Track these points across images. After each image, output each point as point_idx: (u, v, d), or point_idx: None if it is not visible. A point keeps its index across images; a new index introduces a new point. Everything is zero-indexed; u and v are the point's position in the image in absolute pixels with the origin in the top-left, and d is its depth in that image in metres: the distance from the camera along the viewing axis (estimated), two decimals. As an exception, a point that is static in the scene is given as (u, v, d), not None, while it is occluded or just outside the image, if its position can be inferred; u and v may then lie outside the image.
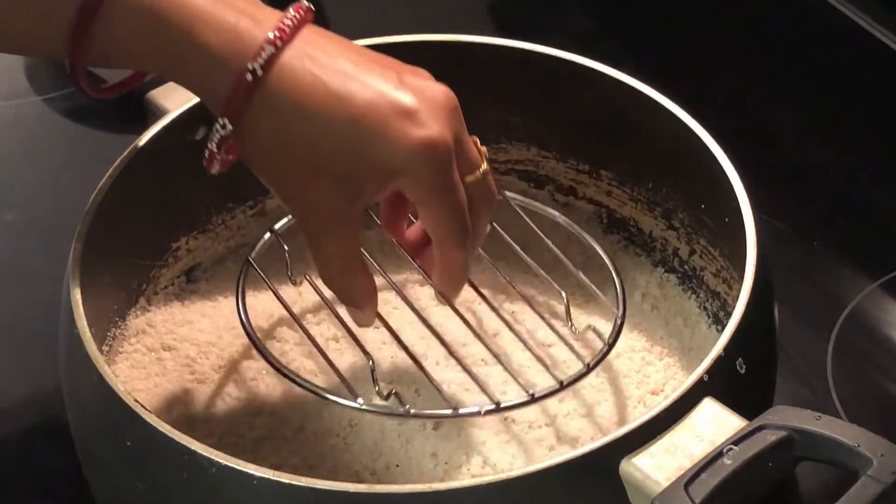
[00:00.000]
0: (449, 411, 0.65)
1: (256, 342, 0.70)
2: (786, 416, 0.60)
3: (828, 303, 0.84)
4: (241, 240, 0.83)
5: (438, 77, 0.80)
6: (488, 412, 0.66)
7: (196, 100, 0.75)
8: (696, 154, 0.73)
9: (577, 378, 0.68)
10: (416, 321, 0.71)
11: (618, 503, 0.60)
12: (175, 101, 0.76)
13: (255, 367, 0.75)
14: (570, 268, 0.75)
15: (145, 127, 0.76)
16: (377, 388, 0.66)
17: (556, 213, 0.79)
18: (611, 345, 0.70)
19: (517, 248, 0.76)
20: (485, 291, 0.74)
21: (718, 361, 0.63)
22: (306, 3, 0.65)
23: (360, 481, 0.68)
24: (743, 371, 0.64)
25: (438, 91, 0.65)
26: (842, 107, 0.99)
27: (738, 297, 0.66)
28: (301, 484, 0.59)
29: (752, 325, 0.65)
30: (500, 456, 0.70)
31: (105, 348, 0.74)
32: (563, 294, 0.73)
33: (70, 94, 1.01)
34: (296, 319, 0.72)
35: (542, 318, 0.73)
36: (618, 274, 0.74)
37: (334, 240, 0.65)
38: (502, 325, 0.72)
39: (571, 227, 0.78)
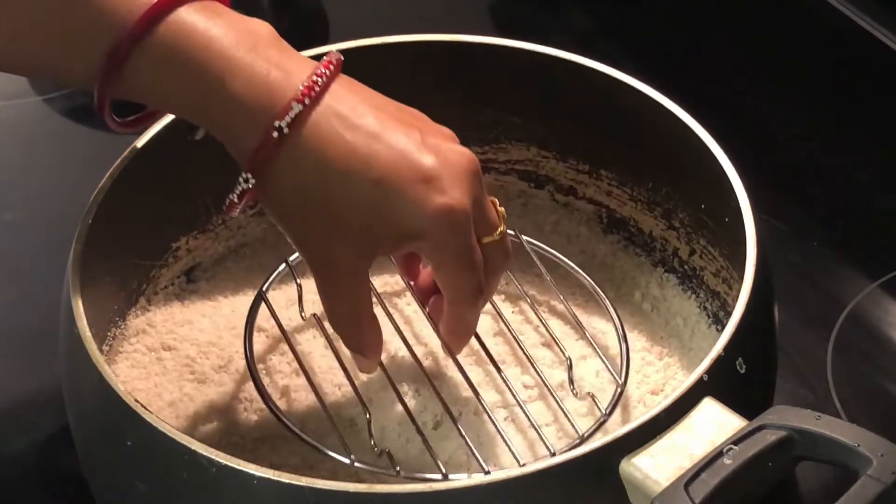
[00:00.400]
0: (438, 476, 0.65)
1: (262, 390, 0.70)
2: (786, 416, 0.60)
3: (828, 303, 0.84)
4: (241, 240, 0.83)
5: (439, 77, 0.81)
6: None
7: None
8: (696, 154, 0.73)
9: (568, 449, 0.66)
10: (419, 372, 0.72)
11: (618, 503, 0.60)
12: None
13: (259, 352, 0.75)
14: (577, 324, 0.75)
15: (145, 127, 0.76)
16: (372, 443, 0.67)
17: (571, 263, 0.79)
18: (608, 415, 0.70)
19: (528, 301, 0.76)
20: (488, 344, 0.73)
21: (718, 361, 0.63)
22: (336, 56, 0.65)
23: (360, 481, 0.68)
24: (743, 371, 0.64)
25: (460, 155, 0.65)
26: (842, 107, 0.99)
27: (738, 297, 0.66)
28: (301, 484, 0.59)
29: (752, 325, 0.65)
30: (500, 456, 0.70)
31: (105, 348, 0.74)
32: (567, 355, 0.73)
33: (70, 94, 1.01)
34: (301, 366, 0.72)
35: (544, 382, 0.72)
36: (625, 339, 0.74)
37: (347, 291, 0.66)
38: (501, 382, 0.72)
39: (594, 287, 0.78)
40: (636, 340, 0.77)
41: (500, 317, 0.75)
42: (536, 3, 1.12)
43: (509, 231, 0.76)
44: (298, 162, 0.63)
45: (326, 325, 0.71)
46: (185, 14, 0.62)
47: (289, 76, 0.63)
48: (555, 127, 0.82)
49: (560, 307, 0.77)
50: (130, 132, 0.68)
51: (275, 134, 0.62)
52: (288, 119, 0.62)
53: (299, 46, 0.79)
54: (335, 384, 0.74)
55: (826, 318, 0.83)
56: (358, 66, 0.80)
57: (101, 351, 0.65)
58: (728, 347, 0.63)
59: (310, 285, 0.76)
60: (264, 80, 0.62)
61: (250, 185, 0.63)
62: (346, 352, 0.70)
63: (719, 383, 0.62)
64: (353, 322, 0.67)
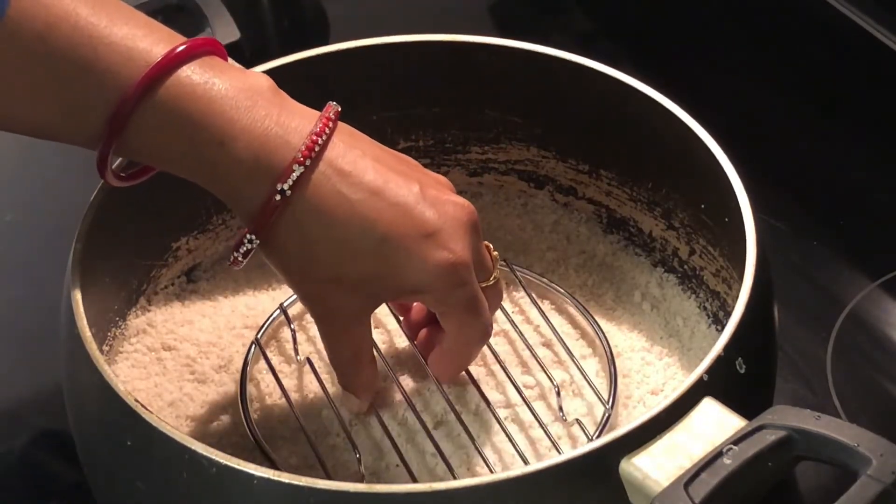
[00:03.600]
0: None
1: (259, 440, 0.71)
2: (785, 416, 0.60)
3: (828, 303, 0.84)
4: (242, 240, 0.83)
5: (439, 77, 0.81)
6: None
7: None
8: (696, 154, 0.73)
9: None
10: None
11: (618, 503, 0.60)
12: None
13: (256, 367, 0.75)
14: (566, 356, 0.75)
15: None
16: (365, 481, 0.67)
17: (560, 289, 0.79)
18: (595, 439, 0.69)
19: (517, 331, 0.75)
20: (476, 372, 0.73)
21: (718, 361, 0.63)
22: (334, 109, 0.65)
23: (360, 482, 0.68)
24: (743, 371, 0.64)
25: (460, 207, 0.66)
26: (842, 107, 0.99)
27: (737, 297, 0.66)
28: (301, 484, 0.59)
29: (752, 325, 0.65)
30: (500, 456, 0.70)
31: (105, 348, 0.74)
32: (555, 385, 0.72)
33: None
34: (293, 410, 0.72)
35: (531, 408, 0.71)
36: (613, 363, 0.74)
37: (349, 338, 0.68)
38: (485, 408, 0.71)
39: (583, 309, 0.78)
40: (636, 340, 0.77)
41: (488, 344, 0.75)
42: (536, 3, 1.12)
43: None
44: (302, 221, 0.63)
45: (319, 367, 0.73)
46: (184, 74, 0.62)
47: (289, 135, 0.63)
48: (555, 127, 0.82)
49: (548, 331, 0.76)
50: (127, 185, 0.68)
51: (277, 197, 0.63)
52: (290, 182, 0.63)
53: (299, 46, 0.80)
54: (330, 422, 0.72)
55: (826, 318, 0.83)
56: (358, 66, 0.80)
57: (101, 351, 0.66)
58: (728, 347, 0.63)
59: (303, 327, 0.77)
60: (264, 141, 0.63)
61: (254, 245, 0.64)
62: (339, 390, 0.71)
63: (719, 383, 0.62)
64: (352, 366, 0.69)
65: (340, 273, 0.64)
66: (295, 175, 0.63)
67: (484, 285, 0.68)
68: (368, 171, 0.64)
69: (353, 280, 0.65)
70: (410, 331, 0.74)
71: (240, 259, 0.65)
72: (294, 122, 0.63)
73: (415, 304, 0.74)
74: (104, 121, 0.62)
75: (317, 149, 0.63)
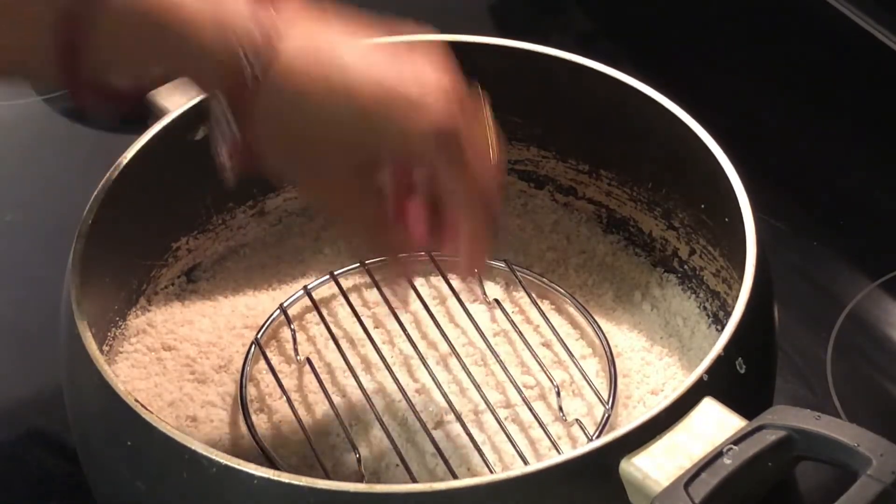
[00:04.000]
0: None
1: (259, 440, 0.71)
2: (785, 416, 0.60)
3: (827, 303, 0.84)
4: (242, 240, 0.83)
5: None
6: None
7: (196, 100, 0.75)
8: (696, 154, 0.73)
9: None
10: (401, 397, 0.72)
11: (618, 503, 0.60)
12: (175, 101, 0.76)
13: (256, 367, 0.75)
14: (566, 356, 0.75)
15: (145, 127, 0.76)
16: (365, 481, 0.67)
17: (560, 289, 0.79)
18: (594, 439, 0.69)
19: (517, 331, 0.76)
20: (476, 372, 0.73)
21: (718, 361, 0.63)
22: None
23: (360, 482, 0.68)
24: (743, 371, 0.64)
25: (443, 76, 0.64)
26: (841, 107, 0.99)
27: (737, 297, 0.66)
28: (301, 484, 0.59)
29: (752, 325, 0.65)
30: (500, 456, 0.70)
31: (105, 348, 0.74)
32: (555, 386, 0.72)
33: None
34: (293, 410, 0.72)
35: (531, 408, 0.71)
36: (613, 363, 0.74)
37: (356, 213, 0.66)
38: (485, 408, 0.71)
39: (578, 306, 0.78)
40: (636, 340, 0.77)
41: (487, 342, 0.75)
42: (536, 3, 1.12)
43: (497, 263, 0.76)
44: (277, 104, 0.61)
45: (318, 367, 0.73)
46: None
47: (259, 13, 0.61)
48: (555, 127, 0.82)
49: (548, 331, 0.76)
50: (113, 105, 0.66)
51: (249, 82, 0.60)
52: (259, 66, 0.60)
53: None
54: (330, 422, 0.73)
55: (826, 318, 0.83)
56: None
57: (101, 351, 0.66)
58: (728, 347, 0.63)
59: (303, 327, 0.77)
60: (229, 27, 0.61)
61: (235, 131, 0.62)
62: (339, 391, 0.71)
63: (719, 383, 0.62)
64: (374, 234, 0.67)
65: (325, 150, 0.63)
66: (264, 57, 0.61)
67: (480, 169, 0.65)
68: (343, 45, 0.63)
69: (339, 157, 0.63)
70: (419, 241, 0.69)
71: (224, 159, 0.63)
72: (258, 5, 0.62)
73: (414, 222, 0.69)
74: (55, 32, 0.60)
75: (282, 27, 0.61)
